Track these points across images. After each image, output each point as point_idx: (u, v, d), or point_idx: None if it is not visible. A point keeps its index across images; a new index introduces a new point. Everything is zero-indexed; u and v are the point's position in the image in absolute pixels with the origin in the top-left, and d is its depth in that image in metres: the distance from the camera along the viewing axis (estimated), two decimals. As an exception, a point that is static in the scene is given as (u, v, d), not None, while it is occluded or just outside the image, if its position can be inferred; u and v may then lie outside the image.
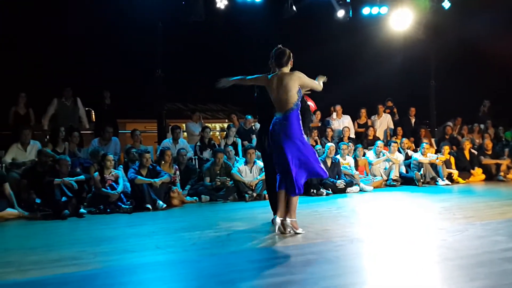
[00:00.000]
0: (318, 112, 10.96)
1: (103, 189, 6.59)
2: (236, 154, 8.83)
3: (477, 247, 3.74)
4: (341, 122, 10.63)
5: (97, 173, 6.74)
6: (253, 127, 10.02)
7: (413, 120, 11.33)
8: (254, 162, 7.83)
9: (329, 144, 8.60)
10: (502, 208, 5.80)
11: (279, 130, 4.48)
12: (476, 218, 5.08)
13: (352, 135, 10.43)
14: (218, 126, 18.64)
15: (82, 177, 6.65)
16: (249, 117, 10.10)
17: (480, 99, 12.35)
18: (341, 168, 8.47)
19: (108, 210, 6.41)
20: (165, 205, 6.71)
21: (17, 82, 10.74)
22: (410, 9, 11.38)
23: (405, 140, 9.96)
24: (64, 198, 6.19)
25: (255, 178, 7.64)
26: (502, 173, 9.72)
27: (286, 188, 4.47)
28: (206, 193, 7.56)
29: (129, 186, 6.91)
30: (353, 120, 10.87)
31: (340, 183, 8.10)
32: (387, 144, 9.60)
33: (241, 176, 7.65)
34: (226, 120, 19.04)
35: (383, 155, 9.18)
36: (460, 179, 9.40)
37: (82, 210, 6.21)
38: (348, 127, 10.21)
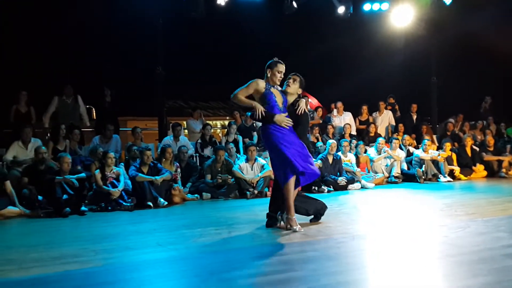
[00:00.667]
0: (320, 110, 10.95)
1: (104, 186, 6.59)
2: (237, 151, 8.82)
3: (478, 243, 3.73)
4: (342, 119, 10.61)
5: (98, 170, 6.74)
6: (254, 124, 10.01)
7: (414, 117, 11.31)
8: (255, 159, 7.82)
9: (330, 141, 8.59)
10: (504, 205, 5.79)
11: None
12: (478, 214, 5.07)
13: (354, 132, 10.41)
14: (219, 123, 18.66)
15: (83, 174, 6.66)
16: (250, 114, 10.08)
17: (482, 95, 12.32)
18: (343, 165, 8.46)
19: (109, 208, 6.41)
20: (166, 203, 6.71)
21: (18, 80, 10.75)
22: (411, 5, 11.35)
23: (406, 137, 9.95)
24: (65, 196, 6.20)
25: (256, 176, 7.64)
26: (504, 170, 9.70)
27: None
28: (207, 191, 7.55)
29: (130, 184, 6.90)
30: (354, 117, 10.85)
31: (342, 180, 8.09)
32: (388, 141, 9.58)
33: (242, 173, 7.64)
34: (227, 117, 19.07)
35: (384, 151, 9.16)
36: (461, 176, 9.39)
37: (83, 208, 6.21)
38: (349, 124, 10.18)
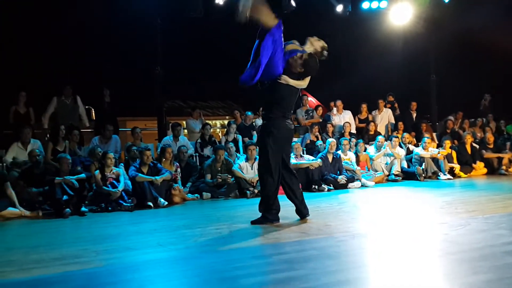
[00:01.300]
0: (320, 108, 10.95)
1: (104, 187, 6.58)
2: (237, 150, 8.82)
3: (479, 241, 3.73)
4: (342, 117, 10.60)
5: (98, 171, 6.73)
6: (254, 123, 10.01)
7: (414, 115, 11.31)
8: (255, 158, 7.81)
9: (330, 139, 8.59)
10: (504, 202, 5.78)
11: None
12: (478, 212, 5.07)
13: (353, 130, 10.41)
14: (218, 122, 18.66)
15: (83, 175, 6.65)
16: (250, 113, 10.09)
17: (481, 93, 12.32)
18: (343, 163, 8.46)
19: (110, 208, 6.40)
20: (166, 203, 6.71)
21: (17, 81, 10.75)
22: (409, 3, 11.35)
23: (406, 134, 9.94)
24: (65, 197, 6.20)
25: (256, 175, 7.62)
26: (504, 167, 9.70)
27: None
28: (207, 190, 7.55)
29: (130, 184, 6.90)
30: (354, 115, 10.84)
31: (342, 179, 8.09)
32: (388, 139, 9.57)
33: (242, 172, 7.64)
34: (227, 117, 19.07)
35: (384, 148, 9.15)
36: (462, 173, 9.39)
37: (83, 209, 6.21)
38: (349, 123, 10.18)
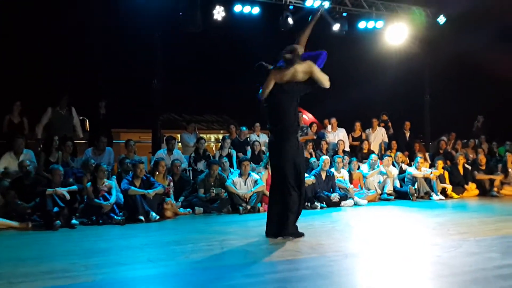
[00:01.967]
0: (314, 125, 10.99)
1: (96, 199, 6.53)
2: (231, 165, 8.81)
3: (471, 264, 3.73)
4: (336, 135, 10.64)
5: (90, 183, 6.68)
6: (248, 138, 10.02)
7: (407, 134, 11.37)
8: (249, 174, 7.81)
9: (323, 157, 8.60)
10: (496, 224, 5.80)
11: None
12: (470, 234, 5.08)
13: (347, 148, 10.44)
14: (213, 137, 18.63)
15: (74, 187, 6.60)
16: (244, 128, 10.10)
17: (474, 114, 12.45)
18: (336, 181, 8.47)
19: (101, 221, 6.33)
20: (158, 217, 6.65)
21: (12, 90, 10.71)
22: (405, 24, 11.51)
23: (399, 154, 9.99)
24: (56, 209, 6.12)
25: (249, 191, 7.61)
26: (495, 189, 9.74)
27: None
28: (200, 205, 7.50)
29: (121, 197, 6.85)
30: (348, 133, 10.89)
31: (335, 197, 8.09)
32: (381, 157, 9.61)
33: (235, 188, 7.61)
34: (221, 131, 19.07)
35: (377, 166, 9.18)
36: (454, 194, 9.42)
37: (74, 221, 6.14)
38: (342, 140, 10.22)
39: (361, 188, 8.96)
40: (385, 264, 3.89)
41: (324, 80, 4.93)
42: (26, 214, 6.22)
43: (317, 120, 11.52)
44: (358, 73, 13.18)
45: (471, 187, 9.82)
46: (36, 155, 7.53)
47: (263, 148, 9.50)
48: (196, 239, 5.08)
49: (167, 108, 16.78)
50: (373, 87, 12.91)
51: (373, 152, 10.10)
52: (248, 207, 7.43)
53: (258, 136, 10.22)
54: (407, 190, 9.01)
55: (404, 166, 9.78)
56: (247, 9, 10.24)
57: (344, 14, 11.06)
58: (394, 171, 9.37)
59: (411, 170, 9.38)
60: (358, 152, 10.33)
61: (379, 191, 9.01)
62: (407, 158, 10.39)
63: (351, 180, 8.89)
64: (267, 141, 10.26)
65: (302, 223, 5.09)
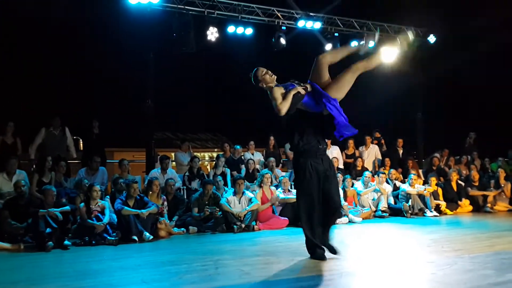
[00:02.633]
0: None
1: (89, 220, 6.47)
2: (225, 184, 8.79)
3: (465, 281, 3.73)
4: (330, 152, 10.65)
5: (83, 203, 6.64)
6: (242, 157, 10.03)
7: (400, 151, 11.43)
8: (243, 192, 7.79)
9: (318, 175, 8.59)
10: (490, 241, 5.82)
11: None
12: (465, 251, 5.08)
13: (341, 166, 10.47)
14: (207, 155, 18.62)
15: (67, 207, 6.54)
16: (238, 147, 10.12)
17: (466, 131, 12.57)
18: (330, 199, 8.45)
19: (94, 242, 6.27)
20: (151, 237, 6.59)
21: (5, 111, 10.70)
22: (396, 44, 11.68)
23: (393, 171, 10.02)
24: (48, 230, 6.06)
25: (243, 209, 7.59)
26: (489, 205, 9.78)
27: None
28: (194, 224, 7.46)
29: (115, 217, 6.80)
30: (341, 150, 10.93)
31: (329, 214, 8.05)
32: (375, 174, 9.64)
33: (230, 206, 7.59)
34: (215, 149, 19.08)
35: (372, 185, 9.20)
36: (447, 210, 9.44)
37: (66, 242, 6.07)
38: (336, 158, 10.24)
39: (355, 206, 8.96)
40: (380, 282, 3.88)
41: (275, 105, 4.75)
42: (18, 235, 6.15)
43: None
44: (350, 92, 13.24)
45: (465, 203, 9.85)
46: (29, 176, 7.48)
47: (257, 166, 9.49)
48: (190, 259, 5.04)
49: (161, 127, 16.81)
50: (365, 105, 13.02)
51: (366, 169, 10.13)
52: (243, 225, 7.39)
53: (253, 154, 10.25)
54: (401, 207, 9.02)
55: (397, 183, 9.81)
56: (240, 30, 10.36)
57: (336, 34, 11.23)
58: (388, 188, 9.40)
59: (405, 187, 9.42)
60: (352, 170, 10.36)
61: (374, 208, 9.02)
62: (401, 175, 10.42)
63: (345, 197, 8.89)
64: (261, 159, 10.37)
65: (296, 241, 5.07)
